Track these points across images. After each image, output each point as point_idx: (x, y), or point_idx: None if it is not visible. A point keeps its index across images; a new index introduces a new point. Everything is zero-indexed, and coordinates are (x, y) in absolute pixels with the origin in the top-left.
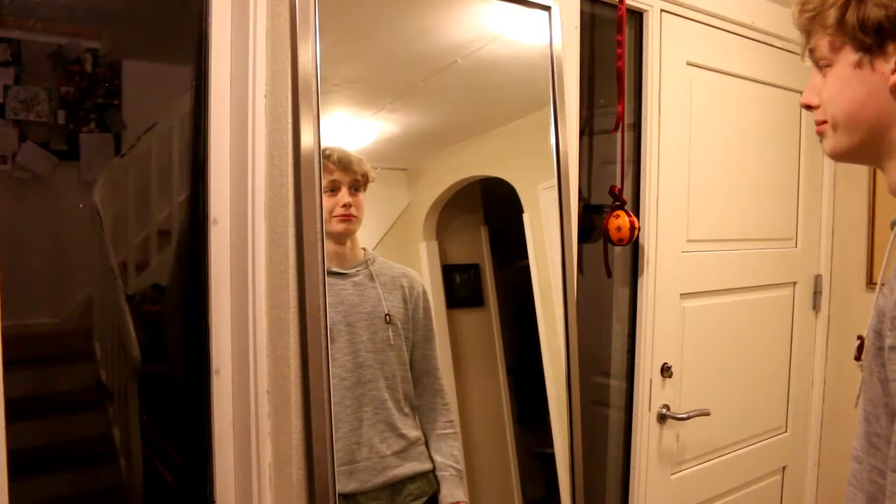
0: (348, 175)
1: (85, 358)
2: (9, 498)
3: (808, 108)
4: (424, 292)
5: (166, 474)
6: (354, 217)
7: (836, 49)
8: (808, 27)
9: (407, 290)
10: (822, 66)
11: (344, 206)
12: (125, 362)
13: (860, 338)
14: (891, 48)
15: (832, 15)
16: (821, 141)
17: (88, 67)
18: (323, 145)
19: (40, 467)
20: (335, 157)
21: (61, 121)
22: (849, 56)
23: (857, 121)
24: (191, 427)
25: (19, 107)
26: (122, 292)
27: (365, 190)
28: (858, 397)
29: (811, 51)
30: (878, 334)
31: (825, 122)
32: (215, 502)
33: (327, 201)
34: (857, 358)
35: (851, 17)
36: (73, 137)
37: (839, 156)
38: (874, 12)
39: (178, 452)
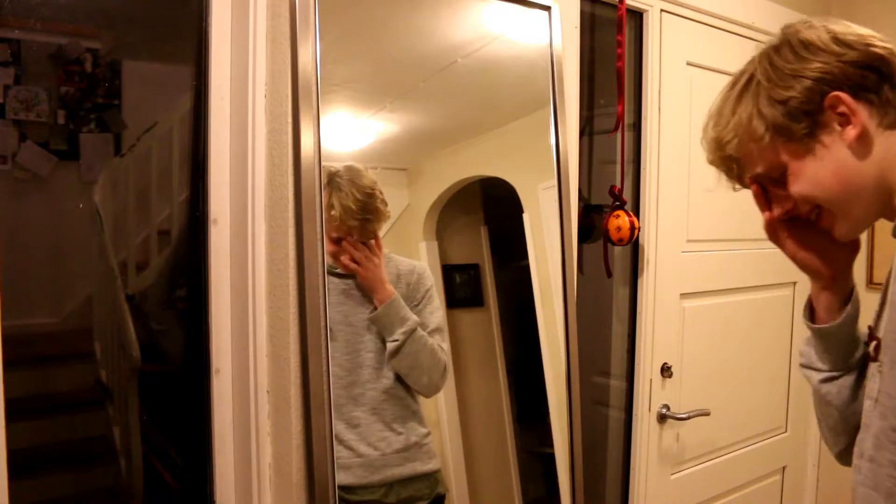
0: (355, 231)
1: (85, 358)
2: (9, 498)
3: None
4: (432, 287)
5: (166, 474)
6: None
7: (778, 154)
8: (738, 154)
9: (414, 287)
10: (777, 177)
11: (344, 259)
12: (125, 362)
13: (876, 338)
14: (822, 120)
15: (759, 126)
16: (832, 232)
17: (88, 67)
18: (334, 169)
19: (40, 467)
20: (337, 211)
21: (61, 121)
22: (796, 150)
23: (848, 189)
24: (191, 427)
25: (19, 107)
26: (122, 292)
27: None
28: (877, 400)
29: (757, 175)
30: None
31: (814, 207)
32: (215, 502)
33: (328, 245)
34: (874, 359)
35: (776, 118)
36: (73, 137)
37: (859, 231)
38: (790, 103)
39: (178, 452)
